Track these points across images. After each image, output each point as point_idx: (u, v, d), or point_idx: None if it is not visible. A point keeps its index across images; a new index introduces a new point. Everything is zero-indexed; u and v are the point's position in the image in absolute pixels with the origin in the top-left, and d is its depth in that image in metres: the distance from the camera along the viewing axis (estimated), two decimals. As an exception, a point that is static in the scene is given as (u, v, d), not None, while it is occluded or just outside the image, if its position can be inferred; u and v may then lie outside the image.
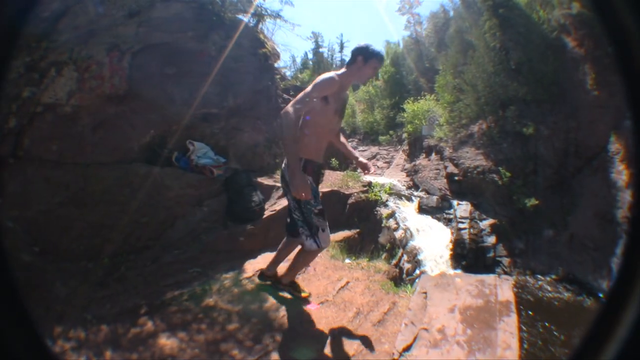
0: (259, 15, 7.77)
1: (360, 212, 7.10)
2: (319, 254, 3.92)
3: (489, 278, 5.39)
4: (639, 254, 1.08)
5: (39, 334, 1.16)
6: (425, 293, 4.63)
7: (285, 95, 10.00)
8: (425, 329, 3.71)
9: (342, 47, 54.14)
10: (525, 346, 14.67)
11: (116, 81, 5.08)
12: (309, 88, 3.19)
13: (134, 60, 5.26)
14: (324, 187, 6.60)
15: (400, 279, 7.19)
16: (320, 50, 53.65)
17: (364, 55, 3.37)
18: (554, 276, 16.12)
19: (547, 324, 14.41)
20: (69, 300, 3.55)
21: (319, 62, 51.17)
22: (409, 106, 24.58)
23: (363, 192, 7.53)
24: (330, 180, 7.35)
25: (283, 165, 3.44)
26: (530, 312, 15.15)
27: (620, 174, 16.68)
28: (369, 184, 8.41)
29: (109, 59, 5.01)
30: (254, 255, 4.99)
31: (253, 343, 3.27)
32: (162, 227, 4.95)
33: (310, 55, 53.53)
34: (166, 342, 3.15)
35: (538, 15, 18.22)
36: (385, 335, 3.60)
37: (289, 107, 3.08)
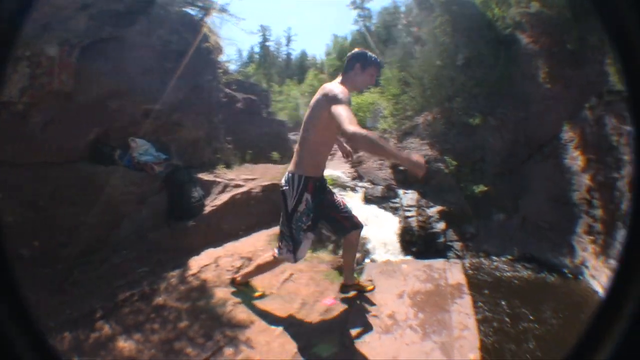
0: (206, 9, 7.71)
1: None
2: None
3: (437, 263, 5.52)
4: (638, 252, 1.09)
5: (40, 333, 1.17)
6: (371, 281, 4.70)
7: (227, 90, 9.86)
8: (375, 316, 3.77)
9: (289, 40, 54.16)
10: (496, 325, 15.25)
11: (64, 77, 4.92)
12: (343, 107, 2.89)
13: (83, 55, 5.11)
14: (264, 181, 6.63)
15: None
16: (267, 43, 53.53)
17: (362, 63, 3.30)
18: (509, 257, 16.83)
19: (511, 301, 15.01)
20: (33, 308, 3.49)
21: (265, 55, 51.07)
22: (353, 99, 24.84)
23: None
24: (271, 174, 7.35)
25: (290, 173, 3.34)
26: (488, 291, 15.72)
27: (575, 159, 17.72)
28: None
29: (59, 54, 4.85)
30: (197, 252, 4.96)
31: (205, 340, 3.31)
32: (109, 228, 4.86)
33: (257, 49, 53.34)
34: (124, 344, 3.18)
35: (493, 12, 18.87)
36: (334, 324, 3.68)
37: (354, 129, 2.68)
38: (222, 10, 8.07)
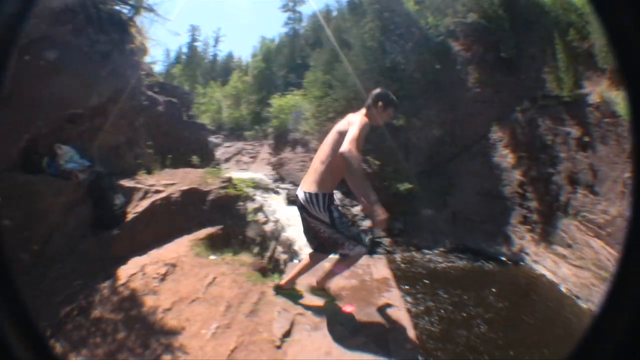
0: (137, 8, 7.58)
1: (222, 208, 7.09)
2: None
3: (361, 259, 5.62)
4: (637, 256, 1.10)
5: (39, 335, 1.19)
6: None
7: (149, 93, 9.63)
8: (301, 314, 3.87)
9: (216, 41, 53.24)
10: (442, 313, 15.52)
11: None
12: (355, 130, 3.29)
13: (19, 56, 4.91)
14: (183, 186, 6.65)
15: (277, 269, 7.24)
16: (196, 44, 52.39)
17: (385, 102, 3.65)
18: (442, 249, 17.63)
19: (452, 290, 15.44)
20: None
21: (192, 56, 49.96)
22: (276, 101, 24.98)
23: (223, 187, 7.61)
24: (190, 178, 7.33)
25: (313, 193, 3.52)
26: (426, 283, 16.15)
27: (505, 157, 19.21)
28: (229, 180, 8.45)
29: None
30: (124, 260, 4.95)
31: (143, 349, 3.39)
32: (43, 241, 4.72)
33: (185, 49, 52.06)
34: (77, 361, 3.21)
35: (427, 21, 19.67)
36: (261, 324, 3.78)
37: (351, 148, 3.16)
38: (150, 9, 7.96)
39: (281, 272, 6.03)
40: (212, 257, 5.44)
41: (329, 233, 3.60)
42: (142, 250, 4.67)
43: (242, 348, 3.42)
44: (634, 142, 1.14)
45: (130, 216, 5.53)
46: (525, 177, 20.59)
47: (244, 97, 34.04)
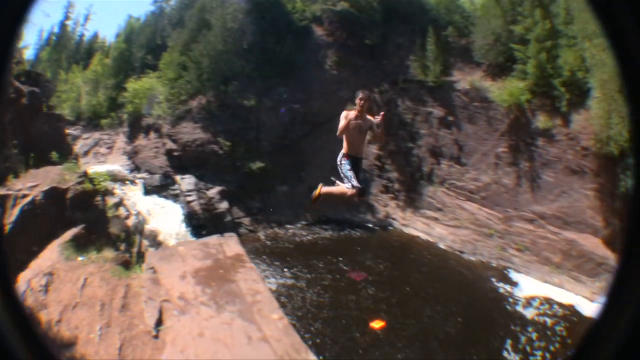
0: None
1: (82, 205, 6.93)
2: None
3: (212, 239, 5.79)
4: (637, 252, 1.12)
5: (38, 336, 1.19)
6: (153, 268, 4.89)
7: (17, 84, 9.05)
8: (167, 300, 4.06)
9: (86, 19, 48.65)
10: (325, 283, 15.66)
11: None
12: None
13: None
14: (44, 186, 6.55)
15: (143, 261, 7.30)
16: (67, 22, 47.08)
17: (357, 95, 5.56)
18: (303, 222, 18.46)
19: (324, 260, 15.89)
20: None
21: (62, 36, 45.01)
22: (131, 85, 23.96)
23: (80, 183, 7.38)
24: (51, 177, 7.10)
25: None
26: (295, 256, 16.49)
27: None
28: (85, 174, 8.13)
29: None
30: (14, 277, 4.73)
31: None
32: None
33: (56, 29, 46.59)
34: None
35: (294, 5, 20.44)
36: (135, 317, 3.98)
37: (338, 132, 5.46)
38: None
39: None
40: (80, 258, 5.45)
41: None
42: (23, 263, 4.66)
43: (127, 345, 3.62)
44: (634, 139, 1.15)
45: (7, 227, 5.42)
46: (383, 151, 22.54)
47: (103, 81, 30.82)
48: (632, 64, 1.08)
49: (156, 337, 3.60)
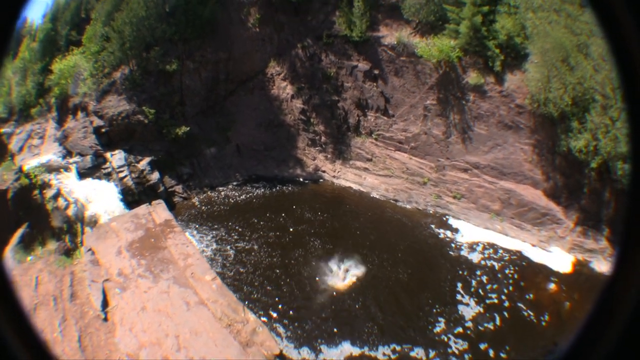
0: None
1: (22, 204, 6.97)
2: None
3: (141, 209, 5.98)
4: (637, 245, 1.14)
5: (37, 335, 1.24)
6: (91, 249, 5.17)
7: None
8: (108, 280, 4.39)
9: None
10: (271, 240, 16.61)
11: None
12: None
13: None
14: None
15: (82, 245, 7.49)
16: None
17: None
18: (234, 183, 19.07)
19: (264, 217, 16.39)
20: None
21: None
22: (57, 65, 23.07)
23: (17, 180, 7.50)
24: None
25: None
26: (236, 216, 16.96)
27: (284, 89, 21.22)
28: (20, 170, 8.00)
29: None
30: None
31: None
32: None
33: None
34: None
35: None
36: (84, 304, 4.28)
37: None
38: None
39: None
40: (30, 258, 5.72)
41: None
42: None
43: (84, 335, 3.90)
44: (633, 145, 1.15)
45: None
46: (306, 105, 23.01)
47: (31, 67, 28.71)
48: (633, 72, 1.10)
49: (105, 319, 3.85)
